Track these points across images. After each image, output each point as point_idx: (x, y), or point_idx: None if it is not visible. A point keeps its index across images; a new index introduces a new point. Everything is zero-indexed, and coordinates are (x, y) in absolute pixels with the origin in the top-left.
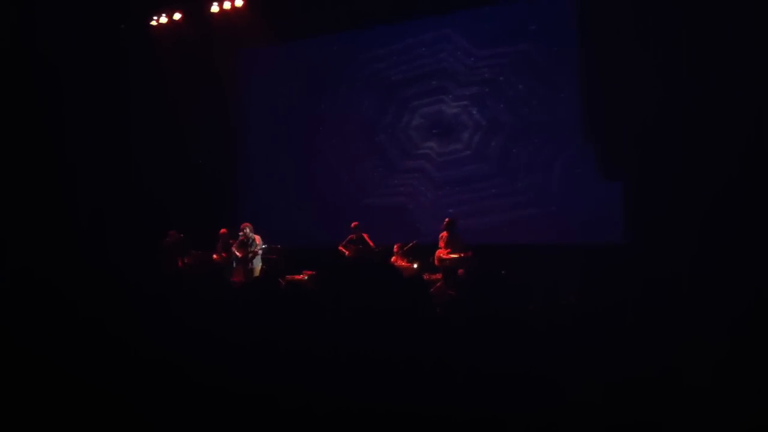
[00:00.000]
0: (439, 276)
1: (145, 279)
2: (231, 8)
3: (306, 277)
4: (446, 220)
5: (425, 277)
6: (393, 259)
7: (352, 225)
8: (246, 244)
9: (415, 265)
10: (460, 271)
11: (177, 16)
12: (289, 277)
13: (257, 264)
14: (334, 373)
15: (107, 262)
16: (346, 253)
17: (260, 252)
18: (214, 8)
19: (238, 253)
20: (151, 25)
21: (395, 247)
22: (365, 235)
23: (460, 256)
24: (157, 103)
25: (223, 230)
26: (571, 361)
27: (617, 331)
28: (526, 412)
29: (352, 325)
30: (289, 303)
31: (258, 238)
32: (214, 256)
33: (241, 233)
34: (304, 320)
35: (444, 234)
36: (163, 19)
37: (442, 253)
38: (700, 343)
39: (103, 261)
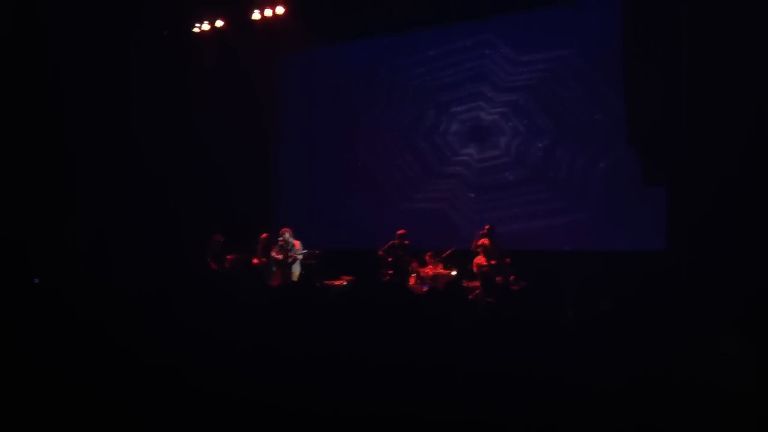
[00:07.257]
0: (477, 283)
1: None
2: (272, 15)
3: (345, 283)
4: (486, 226)
5: (464, 284)
6: (428, 268)
7: (398, 232)
8: (285, 249)
9: (454, 273)
10: (498, 278)
11: (219, 23)
12: (327, 282)
13: (296, 269)
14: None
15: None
16: (388, 258)
17: (300, 257)
18: (256, 15)
19: (278, 256)
20: (192, 32)
21: (427, 256)
22: (407, 242)
23: (499, 263)
24: (194, 109)
25: (264, 234)
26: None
27: (654, 337)
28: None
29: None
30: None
31: (298, 243)
32: (254, 260)
33: (280, 238)
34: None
35: (483, 241)
36: (206, 26)
37: (480, 260)
38: (745, 349)
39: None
